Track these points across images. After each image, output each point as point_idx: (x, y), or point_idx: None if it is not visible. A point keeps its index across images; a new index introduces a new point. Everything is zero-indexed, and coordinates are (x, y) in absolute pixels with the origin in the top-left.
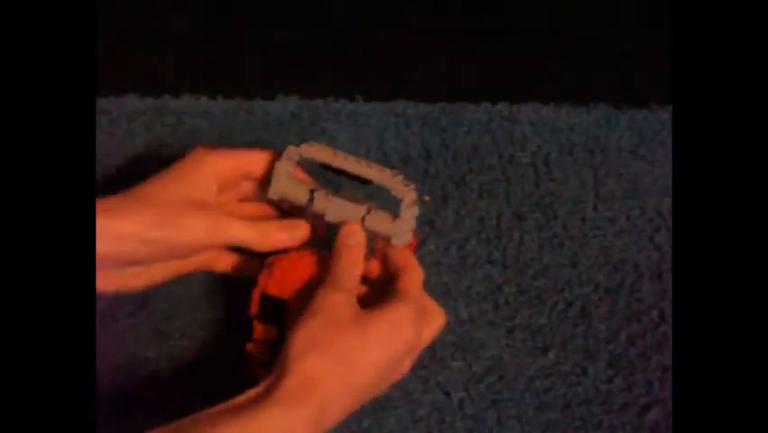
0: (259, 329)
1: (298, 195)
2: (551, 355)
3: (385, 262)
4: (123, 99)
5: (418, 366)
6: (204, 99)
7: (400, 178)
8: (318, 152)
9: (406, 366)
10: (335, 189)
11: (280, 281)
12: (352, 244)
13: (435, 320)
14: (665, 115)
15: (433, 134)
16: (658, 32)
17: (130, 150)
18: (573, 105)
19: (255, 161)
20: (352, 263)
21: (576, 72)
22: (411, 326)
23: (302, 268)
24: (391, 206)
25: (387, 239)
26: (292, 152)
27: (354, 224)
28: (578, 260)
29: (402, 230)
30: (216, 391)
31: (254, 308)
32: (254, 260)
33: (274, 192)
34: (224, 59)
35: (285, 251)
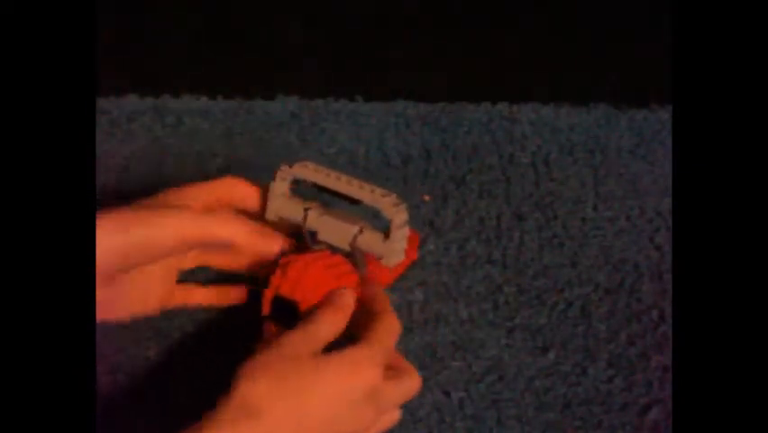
0: (270, 330)
1: (293, 214)
2: (551, 355)
3: (364, 300)
4: (123, 99)
5: (418, 367)
6: (204, 99)
7: (391, 198)
8: (311, 172)
9: (371, 416)
10: (332, 204)
11: (294, 283)
12: (339, 305)
13: (410, 380)
14: (665, 115)
15: (433, 134)
16: (658, 32)
17: (130, 150)
18: (573, 105)
19: (245, 193)
20: (333, 322)
21: (576, 72)
22: (372, 369)
23: (316, 270)
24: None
25: (378, 259)
26: (285, 172)
27: (346, 291)
28: (578, 260)
29: (393, 250)
30: (217, 391)
31: (266, 308)
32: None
33: (270, 213)
34: (224, 59)
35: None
